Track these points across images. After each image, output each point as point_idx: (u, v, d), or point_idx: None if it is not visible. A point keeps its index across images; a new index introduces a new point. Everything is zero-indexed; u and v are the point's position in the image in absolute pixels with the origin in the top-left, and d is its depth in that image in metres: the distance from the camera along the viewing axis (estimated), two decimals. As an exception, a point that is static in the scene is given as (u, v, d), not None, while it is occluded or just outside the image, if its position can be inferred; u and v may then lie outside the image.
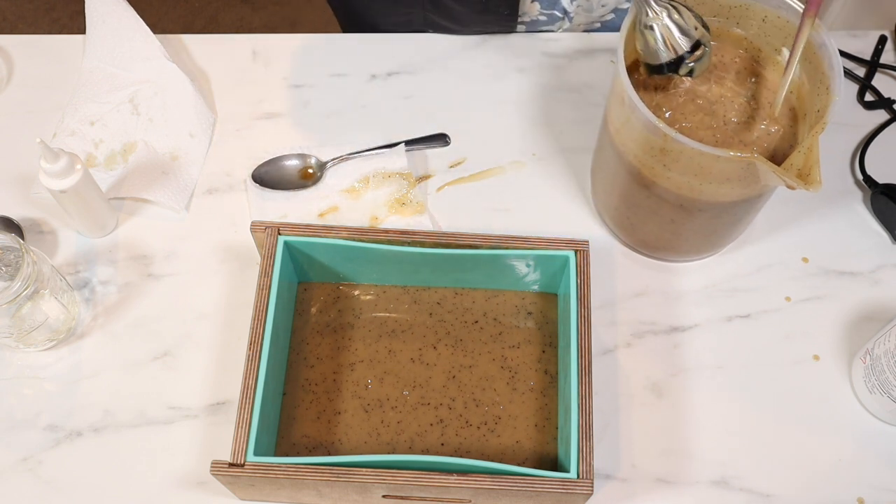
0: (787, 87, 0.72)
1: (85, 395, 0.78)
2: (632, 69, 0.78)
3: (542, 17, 0.99)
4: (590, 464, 0.68)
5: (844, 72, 0.72)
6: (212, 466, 0.67)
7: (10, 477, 0.75)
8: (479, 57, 0.99)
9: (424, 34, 1.00)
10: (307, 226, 0.77)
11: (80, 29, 0.95)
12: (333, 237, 0.76)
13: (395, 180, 0.89)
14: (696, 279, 0.85)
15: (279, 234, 0.76)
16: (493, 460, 0.73)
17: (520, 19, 0.99)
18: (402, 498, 0.71)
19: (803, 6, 0.70)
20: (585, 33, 1.01)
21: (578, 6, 0.97)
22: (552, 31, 1.01)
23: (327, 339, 0.80)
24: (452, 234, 0.77)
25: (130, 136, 0.91)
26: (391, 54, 0.99)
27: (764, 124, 0.75)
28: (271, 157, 0.90)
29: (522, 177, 0.91)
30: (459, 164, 0.92)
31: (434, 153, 0.92)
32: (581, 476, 0.67)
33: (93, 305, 0.83)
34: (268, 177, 0.89)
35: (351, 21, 1.10)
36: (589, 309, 0.74)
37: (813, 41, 0.73)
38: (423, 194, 0.89)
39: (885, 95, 0.96)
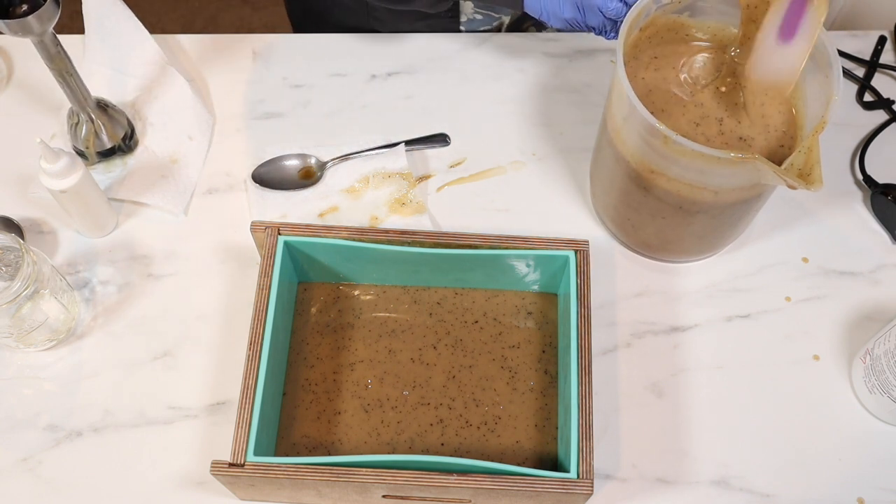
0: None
1: (85, 395, 0.78)
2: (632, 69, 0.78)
3: (479, 17, 1.00)
4: (590, 464, 0.68)
5: (844, 72, 0.72)
6: (212, 466, 0.67)
7: (10, 477, 0.75)
8: (479, 57, 0.99)
9: (424, 34, 1.00)
10: (307, 226, 0.77)
11: (80, 29, 0.95)
12: (333, 237, 0.76)
13: (395, 180, 0.89)
14: (696, 279, 0.85)
15: (279, 234, 0.76)
16: (493, 460, 0.73)
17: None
18: (402, 498, 0.71)
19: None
20: (585, 33, 1.00)
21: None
22: (490, 30, 1.03)
23: (327, 339, 0.80)
24: (452, 234, 0.77)
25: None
26: (391, 54, 0.99)
27: (763, 124, 0.75)
28: (271, 157, 0.90)
29: (522, 177, 0.91)
30: (459, 164, 0.92)
31: (434, 153, 0.92)
32: (581, 476, 0.67)
33: (93, 305, 0.83)
34: (268, 177, 0.89)
35: (302, 18, 1.13)
36: (589, 309, 0.74)
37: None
38: (423, 194, 0.89)
39: (885, 96, 0.96)
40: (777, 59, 0.72)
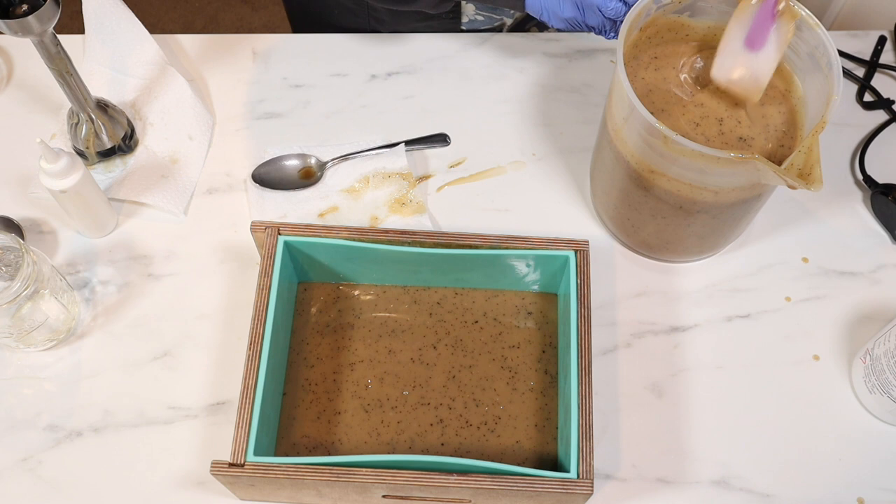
0: None
1: (85, 395, 0.78)
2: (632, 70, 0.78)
3: (480, 18, 1.00)
4: (590, 464, 0.68)
5: (844, 72, 0.72)
6: (212, 466, 0.67)
7: (10, 477, 0.75)
8: (479, 57, 0.99)
9: (424, 34, 1.00)
10: (307, 226, 0.77)
11: (80, 29, 0.95)
12: (333, 237, 0.76)
13: (395, 180, 0.89)
14: (696, 279, 0.85)
15: (279, 234, 0.76)
16: (493, 460, 0.73)
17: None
18: (402, 498, 0.71)
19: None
20: (585, 33, 1.01)
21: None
22: (491, 30, 1.03)
23: (327, 339, 0.80)
24: (452, 234, 0.77)
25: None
26: (391, 54, 0.99)
27: (763, 124, 0.75)
28: (271, 157, 0.90)
29: (522, 177, 0.91)
30: (459, 164, 0.92)
31: (434, 153, 0.92)
32: (581, 476, 0.67)
33: (93, 305, 0.83)
34: (268, 177, 0.89)
35: (302, 19, 1.13)
36: (589, 309, 0.74)
37: (811, 40, 0.73)
38: (423, 194, 0.89)
39: (885, 96, 0.96)
40: (743, 66, 0.72)
